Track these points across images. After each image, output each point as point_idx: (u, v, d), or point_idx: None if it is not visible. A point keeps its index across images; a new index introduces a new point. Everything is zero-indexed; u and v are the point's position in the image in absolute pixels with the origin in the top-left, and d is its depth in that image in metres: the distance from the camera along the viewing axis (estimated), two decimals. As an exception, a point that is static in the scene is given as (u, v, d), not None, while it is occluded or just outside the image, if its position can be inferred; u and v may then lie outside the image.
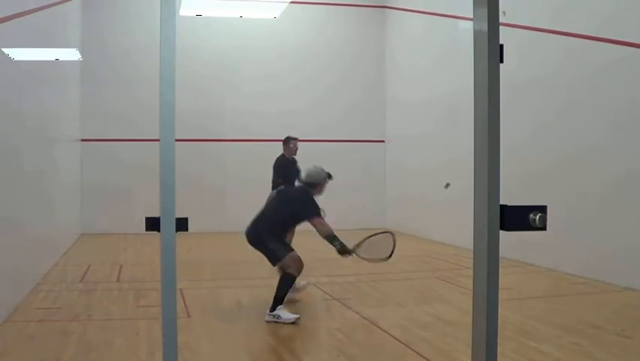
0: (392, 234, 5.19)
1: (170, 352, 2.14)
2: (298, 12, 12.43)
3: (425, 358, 4.23)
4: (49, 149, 8.26)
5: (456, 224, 7.18)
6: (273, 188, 7.53)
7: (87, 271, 7.66)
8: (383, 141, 13.52)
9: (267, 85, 12.68)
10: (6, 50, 5.51)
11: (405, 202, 12.32)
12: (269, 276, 7.66)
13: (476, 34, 1.85)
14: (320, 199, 5.79)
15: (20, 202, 6.03)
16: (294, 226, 6.02)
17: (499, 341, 1.82)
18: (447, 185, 9.93)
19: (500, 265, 1.83)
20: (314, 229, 5.46)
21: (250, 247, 5.80)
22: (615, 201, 6.67)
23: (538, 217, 1.81)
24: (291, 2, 10.70)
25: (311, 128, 11.99)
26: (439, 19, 10.48)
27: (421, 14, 11.57)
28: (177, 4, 5.93)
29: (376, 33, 13.46)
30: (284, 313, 5.22)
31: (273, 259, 5.63)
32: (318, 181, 5.73)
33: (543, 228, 1.81)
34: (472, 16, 1.87)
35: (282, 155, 8.07)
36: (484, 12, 1.82)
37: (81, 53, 10.69)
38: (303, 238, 7.77)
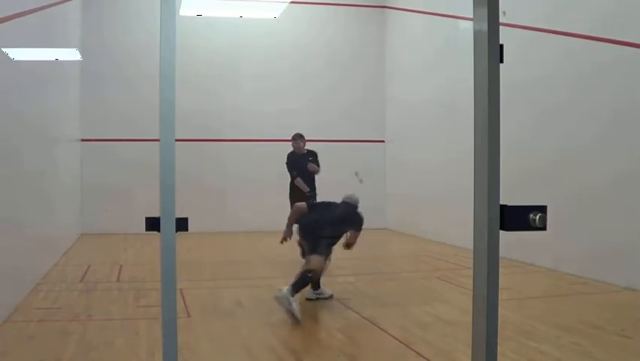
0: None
1: (170, 352, 2.14)
2: (298, 12, 12.42)
3: (425, 358, 4.23)
4: (49, 149, 8.26)
5: (456, 224, 7.17)
6: (292, 179, 8.37)
7: (87, 271, 7.66)
8: (383, 141, 13.52)
9: (267, 85, 12.67)
10: (6, 50, 5.51)
11: (405, 202, 12.31)
12: (269, 276, 7.67)
13: (476, 34, 1.85)
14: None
15: (20, 202, 6.03)
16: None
17: (499, 341, 1.82)
18: (357, 174, 10.52)
19: (500, 265, 1.83)
20: None
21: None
22: (615, 201, 6.67)
23: (538, 217, 1.81)
24: (291, 2, 10.70)
25: (311, 128, 11.94)
26: (439, 19, 10.48)
27: (421, 14, 11.57)
28: (177, 4, 5.93)
29: (376, 33, 13.46)
30: (295, 304, 5.29)
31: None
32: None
33: (543, 228, 1.81)
34: (472, 16, 1.87)
35: (292, 151, 8.58)
36: (484, 12, 1.82)
37: (81, 53, 10.68)
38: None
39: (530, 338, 4.61)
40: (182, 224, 2.15)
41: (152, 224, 2.14)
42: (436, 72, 11.03)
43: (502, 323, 1.86)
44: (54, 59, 8.57)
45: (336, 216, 6.10)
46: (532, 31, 7.83)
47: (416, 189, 11.76)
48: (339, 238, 6.13)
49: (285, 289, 5.29)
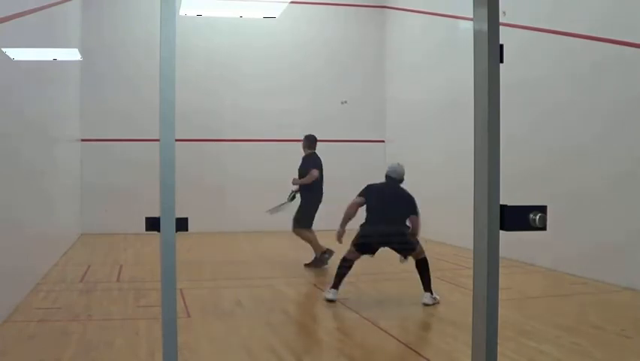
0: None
1: (170, 352, 2.14)
2: (298, 12, 12.41)
3: (425, 358, 4.23)
4: (49, 149, 8.25)
5: (456, 224, 7.17)
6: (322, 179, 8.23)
7: (87, 271, 7.66)
8: (383, 141, 13.51)
9: (266, 85, 12.67)
10: (6, 50, 5.51)
11: (405, 202, 12.28)
12: (269, 276, 7.67)
13: (476, 34, 1.85)
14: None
15: (20, 202, 6.03)
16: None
17: (499, 341, 1.82)
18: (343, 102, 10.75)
19: (500, 265, 1.83)
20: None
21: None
22: (615, 201, 6.67)
23: (538, 217, 1.81)
24: (291, 2, 10.70)
25: (311, 128, 11.96)
26: (439, 19, 10.47)
27: (421, 14, 11.56)
28: (177, 4, 5.94)
29: (376, 33, 13.45)
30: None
31: (408, 249, 6.01)
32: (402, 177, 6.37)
33: (543, 228, 1.81)
34: (471, 16, 1.87)
35: (315, 152, 8.49)
36: (484, 12, 1.82)
37: (81, 53, 10.68)
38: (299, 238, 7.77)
39: (530, 338, 4.61)
40: (182, 224, 2.15)
41: (152, 224, 2.14)
42: (435, 72, 11.03)
43: (502, 323, 1.85)
44: (54, 59, 8.57)
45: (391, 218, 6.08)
46: (532, 31, 7.83)
47: (416, 189, 11.71)
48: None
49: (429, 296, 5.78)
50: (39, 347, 4.38)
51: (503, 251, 1.87)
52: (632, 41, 6.35)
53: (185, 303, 5.79)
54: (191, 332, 4.78)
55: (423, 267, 5.96)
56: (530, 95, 8.00)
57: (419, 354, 4.31)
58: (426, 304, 5.73)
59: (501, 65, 1.82)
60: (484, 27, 1.81)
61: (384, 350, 4.58)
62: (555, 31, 7.42)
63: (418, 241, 6.07)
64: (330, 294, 5.90)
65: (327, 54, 13.16)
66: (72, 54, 10.24)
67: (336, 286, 5.94)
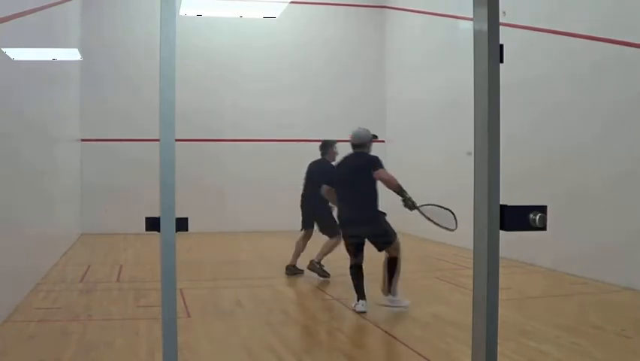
0: (453, 213, 5.54)
1: (170, 352, 2.14)
2: (298, 12, 12.41)
3: (425, 358, 4.23)
4: (49, 149, 8.26)
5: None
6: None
7: (87, 271, 7.66)
8: (383, 141, 13.49)
9: (266, 85, 12.67)
10: (6, 50, 5.51)
11: (405, 202, 12.29)
12: (269, 276, 7.67)
13: (476, 34, 1.85)
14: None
15: (20, 202, 6.03)
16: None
17: (499, 341, 1.82)
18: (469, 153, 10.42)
19: (500, 265, 1.83)
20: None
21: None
22: (615, 201, 6.67)
23: (538, 217, 1.81)
24: (291, 2, 10.70)
25: (310, 128, 11.98)
26: (439, 19, 10.47)
27: (421, 14, 11.56)
28: (177, 4, 5.93)
29: (376, 33, 13.45)
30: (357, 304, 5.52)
31: (385, 242, 5.80)
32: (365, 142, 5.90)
33: (543, 228, 1.81)
34: (471, 16, 1.87)
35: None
36: (484, 12, 1.82)
37: (81, 53, 10.68)
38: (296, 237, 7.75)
39: (530, 338, 4.61)
40: (182, 224, 2.15)
41: (152, 224, 2.14)
42: (435, 72, 11.02)
43: (502, 323, 1.85)
44: (54, 59, 8.57)
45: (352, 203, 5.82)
46: (532, 31, 7.83)
47: (416, 189, 11.70)
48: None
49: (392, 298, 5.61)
50: (39, 347, 4.38)
51: (503, 251, 1.87)
52: (632, 41, 6.35)
53: (185, 303, 5.79)
54: (191, 332, 4.78)
55: (393, 267, 5.72)
56: (530, 95, 8.00)
57: (419, 354, 4.31)
58: (386, 306, 5.51)
59: (501, 65, 1.82)
60: (484, 27, 1.81)
61: (385, 350, 4.58)
62: (555, 31, 7.42)
63: (396, 235, 5.89)
64: (359, 306, 5.56)
65: (327, 54, 13.16)
66: (72, 54, 10.24)
67: (361, 296, 5.62)
